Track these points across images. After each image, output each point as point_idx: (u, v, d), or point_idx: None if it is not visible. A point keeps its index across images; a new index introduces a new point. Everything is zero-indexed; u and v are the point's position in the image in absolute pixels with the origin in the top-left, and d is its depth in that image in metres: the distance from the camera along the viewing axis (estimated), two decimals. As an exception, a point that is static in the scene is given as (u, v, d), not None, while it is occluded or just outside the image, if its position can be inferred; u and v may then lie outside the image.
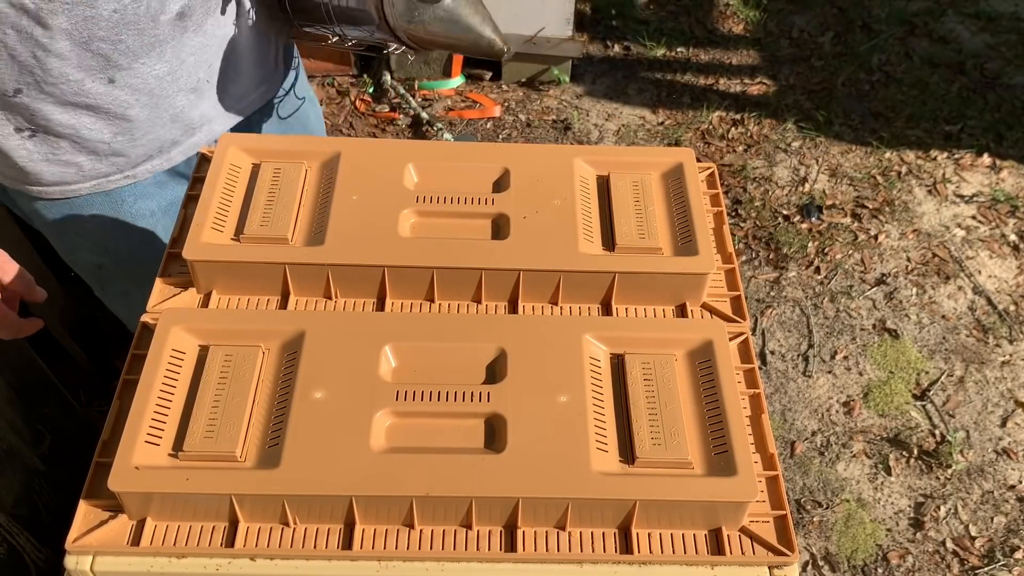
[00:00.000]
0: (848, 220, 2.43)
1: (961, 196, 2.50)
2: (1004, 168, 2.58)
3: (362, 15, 1.07)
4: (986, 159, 2.60)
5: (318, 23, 1.13)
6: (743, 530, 0.75)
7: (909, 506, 1.86)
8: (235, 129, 1.17)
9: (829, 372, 2.09)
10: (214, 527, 0.73)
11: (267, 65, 1.19)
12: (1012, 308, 2.22)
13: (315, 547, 0.72)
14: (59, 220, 1.12)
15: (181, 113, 1.08)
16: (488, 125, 2.69)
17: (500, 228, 0.92)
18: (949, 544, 1.80)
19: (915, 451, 1.93)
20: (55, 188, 1.07)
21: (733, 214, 2.44)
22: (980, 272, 2.30)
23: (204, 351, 0.80)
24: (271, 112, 1.25)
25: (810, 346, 2.14)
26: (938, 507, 1.85)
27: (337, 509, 0.72)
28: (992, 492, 1.88)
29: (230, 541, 0.72)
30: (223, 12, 1.04)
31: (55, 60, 0.93)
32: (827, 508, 1.85)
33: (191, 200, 0.97)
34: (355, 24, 1.09)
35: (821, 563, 1.77)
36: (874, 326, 2.18)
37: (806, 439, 1.97)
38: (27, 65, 0.93)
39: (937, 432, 1.97)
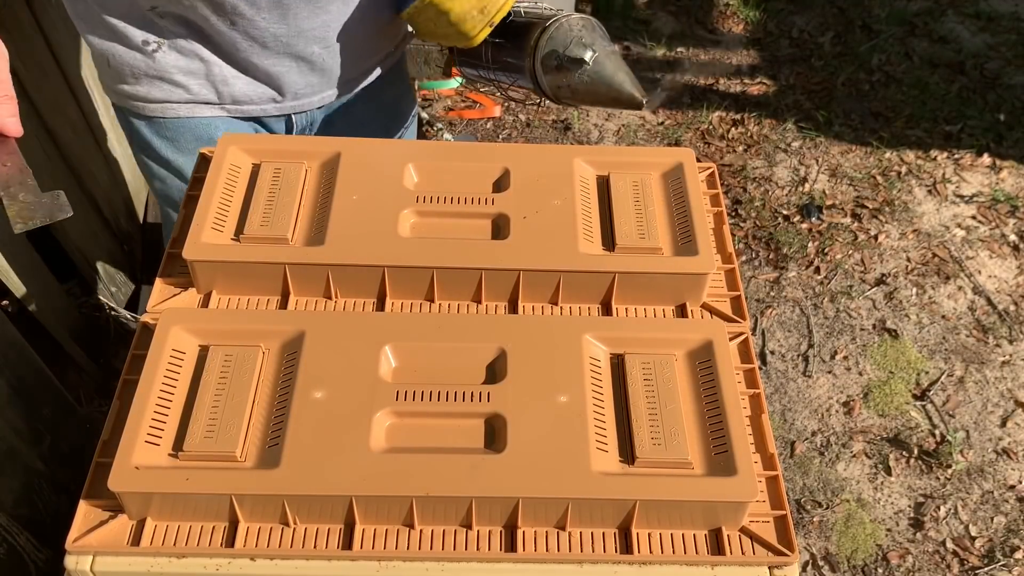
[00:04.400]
0: (848, 220, 2.43)
1: (961, 196, 2.50)
2: (1004, 168, 2.58)
3: (517, 69, 1.17)
4: (986, 159, 2.60)
5: (478, 65, 1.23)
6: (743, 530, 0.75)
7: (909, 506, 1.86)
8: (330, 110, 1.24)
9: (829, 372, 2.09)
10: (214, 527, 0.73)
11: (378, 55, 1.25)
12: (1012, 308, 2.22)
13: (315, 547, 0.72)
14: (156, 141, 1.20)
15: (287, 75, 1.14)
16: (488, 125, 2.68)
17: (500, 228, 0.92)
18: (949, 544, 1.80)
19: (915, 451, 1.93)
20: (158, 106, 1.15)
21: (733, 214, 2.44)
22: (980, 272, 2.30)
23: (204, 351, 0.80)
24: (368, 97, 1.30)
25: (810, 346, 2.14)
26: (938, 507, 1.85)
27: (337, 509, 0.72)
28: (992, 492, 1.88)
29: (230, 541, 0.72)
30: (353, 5, 1.11)
31: None
32: (827, 508, 1.85)
33: (191, 200, 0.97)
34: (509, 72, 1.19)
35: (821, 563, 1.77)
36: (874, 326, 2.18)
37: (806, 439, 1.97)
38: None
39: (937, 432, 1.97)
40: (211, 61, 1.11)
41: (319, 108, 1.23)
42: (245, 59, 1.11)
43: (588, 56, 1.07)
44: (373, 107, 1.30)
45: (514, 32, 1.14)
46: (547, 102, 1.30)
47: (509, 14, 1.12)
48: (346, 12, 1.12)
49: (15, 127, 0.93)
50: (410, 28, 1.23)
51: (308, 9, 1.07)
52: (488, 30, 1.10)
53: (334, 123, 1.27)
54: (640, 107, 1.12)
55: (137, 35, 1.07)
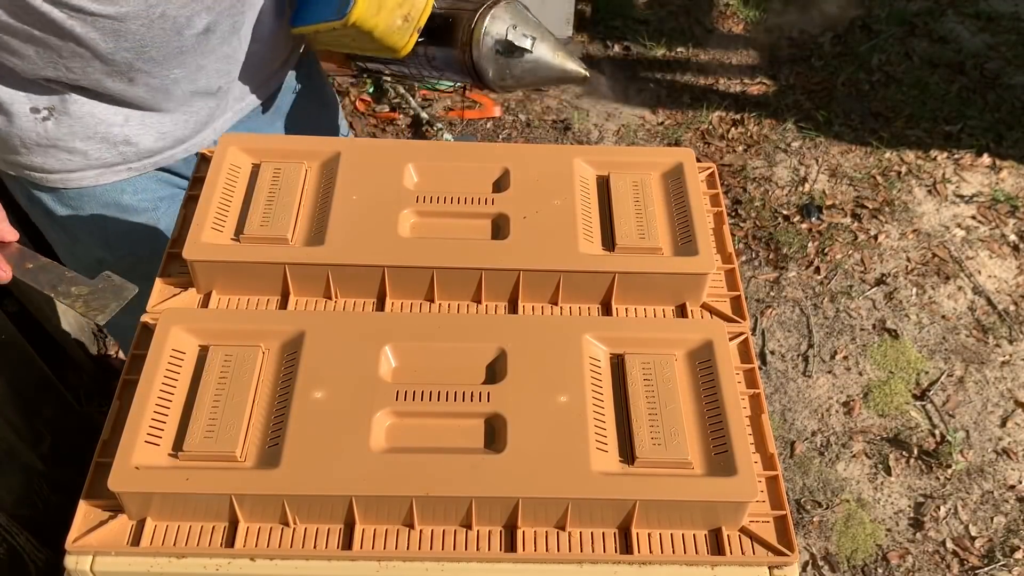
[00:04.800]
0: (848, 220, 2.43)
1: (961, 196, 2.50)
2: (1004, 168, 2.58)
3: (445, 65, 1.14)
4: (986, 159, 2.60)
5: (391, 67, 1.19)
6: (743, 530, 0.75)
7: (909, 506, 1.86)
8: (238, 127, 1.18)
9: (829, 372, 2.09)
10: (214, 527, 0.73)
11: (284, 70, 1.20)
12: (1012, 308, 2.22)
13: (315, 547, 0.72)
14: (60, 211, 1.11)
15: (196, 114, 1.09)
16: (488, 125, 2.68)
17: (500, 228, 0.92)
18: (949, 544, 1.80)
19: (915, 451, 1.93)
20: (58, 176, 1.07)
21: (733, 214, 2.44)
22: (980, 272, 2.30)
23: (204, 351, 0.80)
24: (279, 112, 1.25)
25: (810, 346, 2.14)
26: (938, 507, 1.85)
27: (337, 509, 0.72)
28: (992, 492, 1.88)
29: (230, 541, 0.72)
30: (248, 29, 1.06)
31: (79, 61, 0.95)
32: (827, 508, 1.85)
33: (191, 200, 0.97)
34: (434, 68, 1.16)
35: (821, 563, 1.77)
36: (874, 326, 2.18)
37: (806, 439, 1.97)
38: (52, 59, 0.94)
39: (937, 432, 1.97)
40: (110, 122, 1.03)
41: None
42: (148, 111, 1.05)
43: (530, 44, 1.07)
44: (291, 118, 1.26)
45: (436, 28, 1.10)
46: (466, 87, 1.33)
47: None
48: (244, 38, 1.06)
49: (9, 230, 0.91)
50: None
51: (204, 48, 1.01)
52: (416, 36, 1.05)
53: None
54: (585, 80, 1.12)
55: (24, 102, 0.98)
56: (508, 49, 1.07)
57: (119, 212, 1.13)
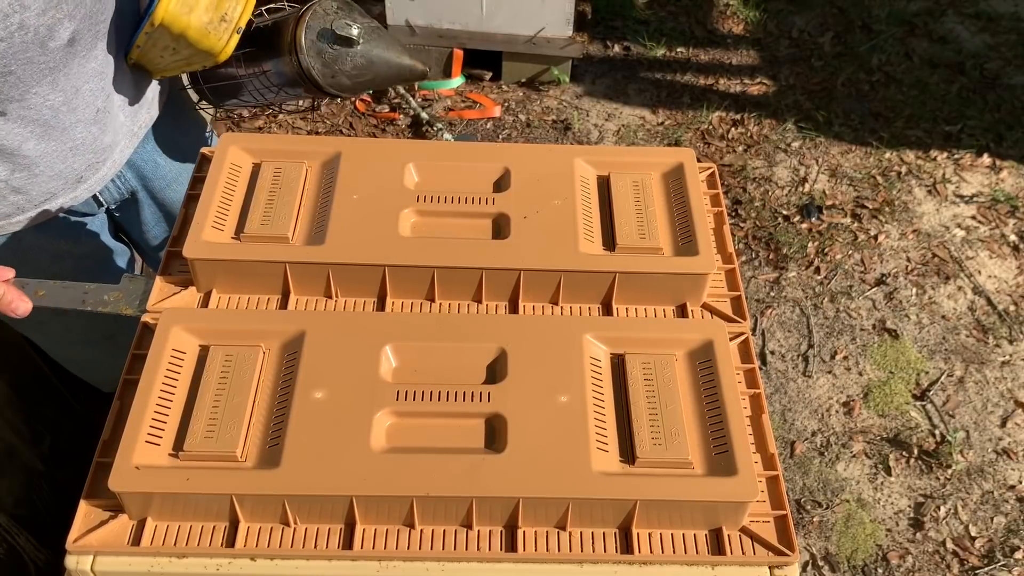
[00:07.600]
0: (848, 220, 2.43)
1: (961, 196, 2.50)
2: (1004, 168, 2.58)
3: (281, 78, 1.08)
4: (986, 159, 2.60)
5: (234, 89, 1.12)
6: (743, 530, 0.75)
7: (909, 506, 1.86)
8: (139, 155, 1.14)
9: (829, 372, 2.09)
10: (214, 527, 0.73)
11: (157, 85, 1.14)
12: (1012, 308, 2.22)
13: (315, 547, 0.72)
14: None
15: (82, 145, 1.02)
16: (488, 125, 2.68)
17: (500, 228, 0.92)
18: (949, 544, 1.80)
19: (915, 451, 1.93)
20: None
21: (733, 214, 2.44)
22: (980, 272, 2.30)
23: (204, 351, 0.80)
24: (157, 132, 1.19)
25: (810, 346, 2.14)
26: (938, 507, 1.85)
27: (337, 509, 0.72)
28: (992, 492, 1.88)
29: (230, 541, 0.72)
30: (113, 36, 0.99)
31: None
32: (827, 508, 1.85)
33: (191, 199, 0.97)
34: (271, 85, 1.10)
35: (821, 563, 1.77)
36: (874, 326, 2.18)
37: (806, 439, 1.96)
38: None
39: (937, 432, 1.97)
40: None
41: (123, 171, 1.12)
42: (31, 153, 0.96)
43: (356, 32, 1.01)
44: (173, 132, 1.20)
45: (265, 38, 1.04)
46: (323, 101, 1.24)
47: (251, 20, 1.01)
48: (111, 49, 0.98)
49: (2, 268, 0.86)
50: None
51: (76, 63, 0.93)
52: (237, 38, 0.97)
53: (144, 174, 1.16)
54: (424, 76, 1.07)
55: None
56: (331, 40, 1.01)
57: (23, 264, 1.00)
